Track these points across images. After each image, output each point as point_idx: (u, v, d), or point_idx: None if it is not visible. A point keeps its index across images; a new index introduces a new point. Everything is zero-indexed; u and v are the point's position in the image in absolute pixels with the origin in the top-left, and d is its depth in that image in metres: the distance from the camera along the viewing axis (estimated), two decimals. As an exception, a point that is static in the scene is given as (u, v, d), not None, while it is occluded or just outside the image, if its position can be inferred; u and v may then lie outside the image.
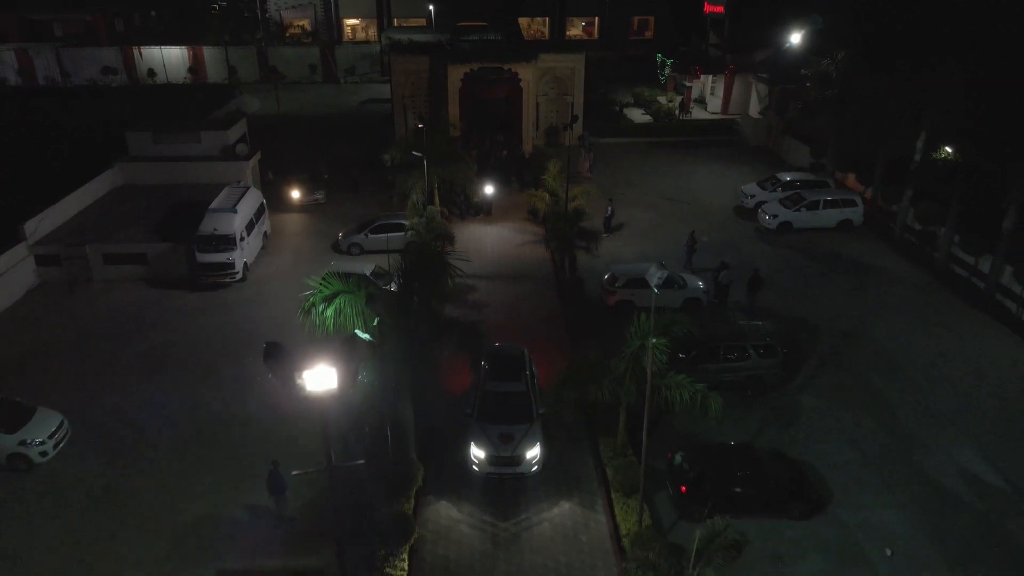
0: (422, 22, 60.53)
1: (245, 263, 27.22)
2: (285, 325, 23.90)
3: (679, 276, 25.00)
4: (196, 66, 58.04)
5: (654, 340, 14.03)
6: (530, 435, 17.28)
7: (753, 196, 33.25)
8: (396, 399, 17.41)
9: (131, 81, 57.72)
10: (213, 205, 27.67)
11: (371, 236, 28.78)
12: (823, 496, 16.95)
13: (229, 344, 23.19)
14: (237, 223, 26.85)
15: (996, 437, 18.94)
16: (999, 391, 20.74)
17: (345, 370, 10.85)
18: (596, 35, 64.45)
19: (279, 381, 10.88)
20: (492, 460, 17.05)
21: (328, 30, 64.01)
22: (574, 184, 30.31)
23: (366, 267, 25.27)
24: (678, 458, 17.04)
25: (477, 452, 17.23)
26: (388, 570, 14.33)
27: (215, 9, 60.56)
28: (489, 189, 32.24)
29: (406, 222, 28.18)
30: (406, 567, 14.58)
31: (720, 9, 50.02)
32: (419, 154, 28.71)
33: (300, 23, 64.92)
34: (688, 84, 48.88)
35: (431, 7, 56.94)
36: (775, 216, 30.96)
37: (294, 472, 13.26)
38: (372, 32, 63.90)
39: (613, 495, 16.59)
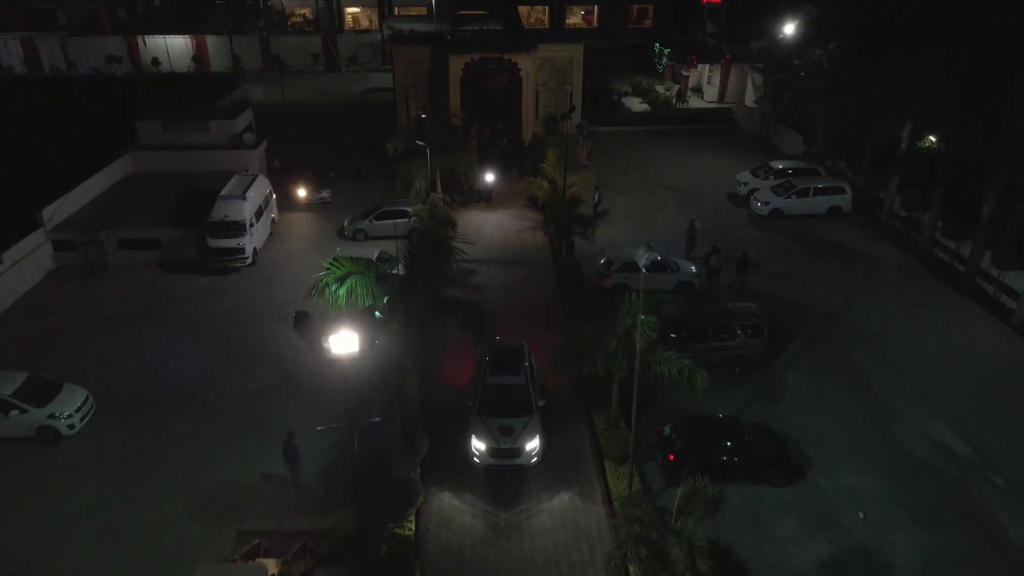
0: (423, 11, 61.08)
1: (255, 248, 28.25)
2: (293, 306, 25.07)
3: (672, 261, 26.08)
4: (200, 55, 58.70)
5: (643, 317, 15.09)
6: (529, 427, 17.68)
7: (746, 184, 34.22)
8: (403, 375, 18.48)
9: (135, 70, 58.42)
10: (223, 192, 28.66)
11: (376, 222, 29.80)
12: (802, 465, 18.12)
13: (241, 324, 24.29)
14: (247, 210, 27.87)
15: (968, 411, 20.09)
16: (974, 368, 21.86)
17: (365, 336, 11.91)
18: (595, 23, 64.97)
19: (307, 344, 12.02)
20: (492, 452, 17.44)
21: (329, 18, 64.54)
22: (572, 172, 31.29)
23: (371, 253, 26.29)
24: (667, 429, 18.19)
25: (478, 444, 17.64)
26: (397, 530, 15.47)
27: (218, -2, 61.15)
28: (490, 177, 33.20)
29: (410, 209, 29.19)
30: (414, 527, 15.75)
31: (717, -1, 50.66)
32: (422, 143, 29.64)
33: (301, 12, 65.43)
34: (685, 73, 49.60)
35: (432, -4, 57.49)
36: (766, 203, 31.95)
37: (319, 427, 14.35)
38: (373, 20, 64.42)
39: (606, 463, 17.77)
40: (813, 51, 33.81)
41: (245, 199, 28.15)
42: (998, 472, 17.99)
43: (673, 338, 20.35)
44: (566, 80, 41.62)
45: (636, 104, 48.59)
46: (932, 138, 27.22)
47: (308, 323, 11.20)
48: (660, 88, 49.34)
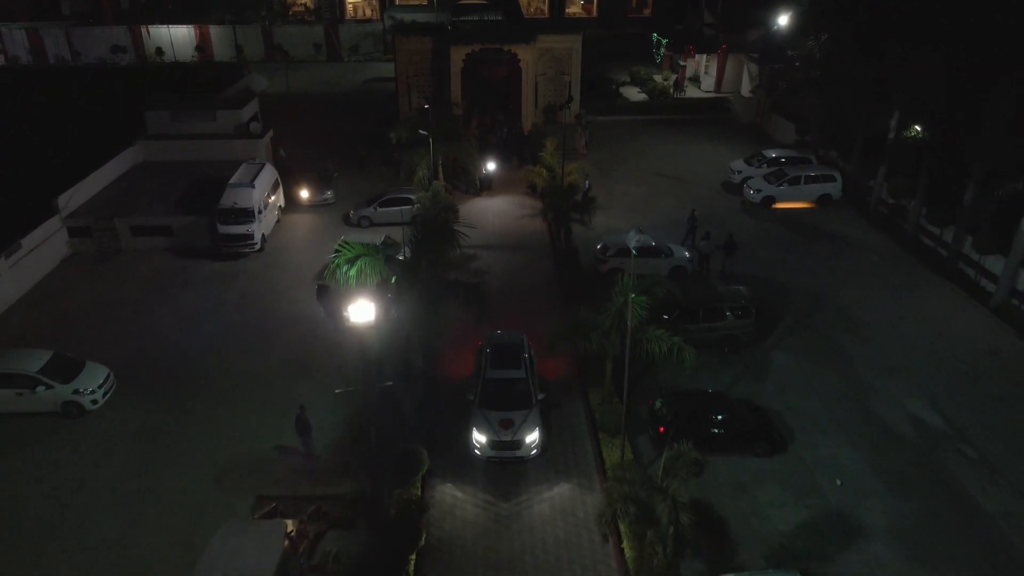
0: (423, 0, 61.59)
1: (263, 234, 29.24)
2: (301, 288, 26.14)
3: (666, 246, 27.09)
4: (203, 45, 59.33)
5: (633, 296, 16.12)
6: (529, 420, 18.04)
7: (740, 172, 35.14)
8: (408, 352, 19.58)
9: (139, 60, 59.08)
10: (232, 180, 29.61)
11: (380, 209, 30.77)
12: (785, 437, 19.22)
13: (252, 307, 25.34)
14: (255, 197, 28.83)
15: (945, 388, 21.16)
16: (952, 348, 22.92)
17: (381, 307, 12.97)
18: (595, 12, 65.47)
19: (327, 314, 13.05)
20: (493, 444, 17.82)
21: (330, 8, 65.06)
22: (571, 161, 32.20)
23: (376, 239, 27.26)
24: (658, 404, 19.26)
25: (479, 437, 17.98)
26: (404, 495, 16.56)
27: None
28: (490, 166, 34.12)
29: (413, 196, 30.12)
30: (419, 492, 16.86)
31: (714, -12, 51.28)
32: (425, 133, 30.54)
33: (303, 1, 65.96)
34: (683, 63, 50.34)
35: (433, -15, 57.98)
36: (759, 191, 32.90)
37: (336, 390, 15.36)
38: (374, 10, 64.93)
39: (600, 435, 18.86)
40: (806, 42, 34.61)
41: (253, 187, 29.10)
42: (970, 444, 19.08)
43: (665, 319, 21.38)
44: (565, 70, 42.36)
45: (634, 94, 49.36)
46: (918, 128, 28.10)
47: (328, 295, 12.32)
48: (658, 78, 50.10)
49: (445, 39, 40.08)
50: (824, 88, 33.13)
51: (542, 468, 18.25)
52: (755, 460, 18.50)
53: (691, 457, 13.62)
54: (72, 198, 29.58)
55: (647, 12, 65.66)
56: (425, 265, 20.13)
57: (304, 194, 32.93)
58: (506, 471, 18.18)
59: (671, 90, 48.84)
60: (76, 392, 19.97)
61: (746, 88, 47.32)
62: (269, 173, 31.47)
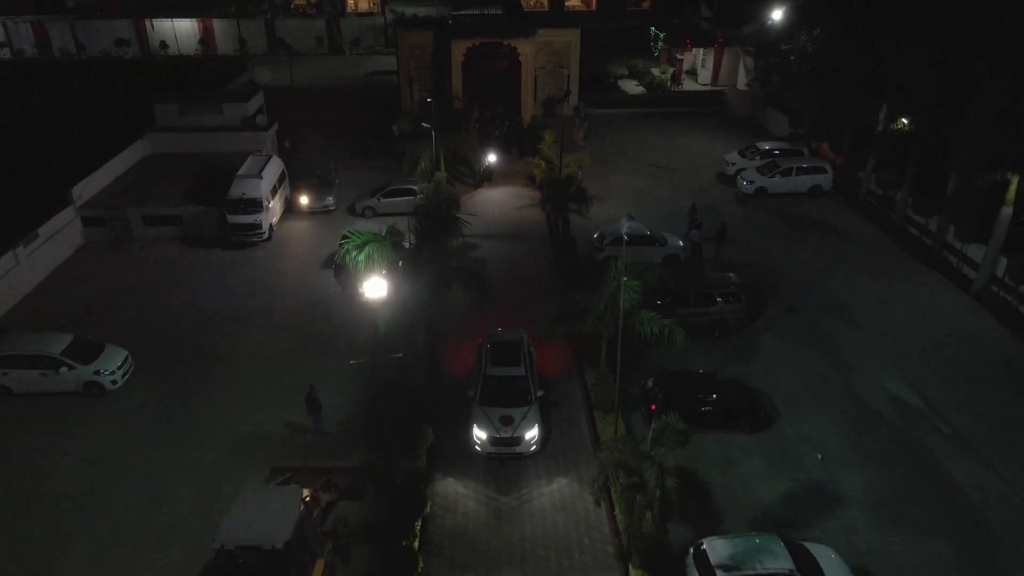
0: (424, -7, 62.16)
1: (270, 224, 30.21)
2: (307, 275, 27.13)
3: (660, 235, 28.09)
4: (206, 38, 60.07)
5: (625, 279, 17.12)
6: (529, 417, 18.31)
7: (734, 164, 36.07)
8: (413, 332, 20.60)
9: (143, 53, 59.86)
10: (240, 172, 30.56)
11: (383, 200, 31.72)
12: (770, 415, 20.26)
13: (260, 293, 26.36)
14: (263, 188, 29.79)
15: (924, 370, 22.17)
16: (932, 332, 23.93)
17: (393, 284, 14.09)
18: (594, 5, 66.18)
19: (343, 290, 14.08)
20: (493, 441, 18.10)
21: (332, 1, 65.73)
22: (569, 152, 33.13)
23: (380, 229, 28.17)
24: (650, 383, 20.29)
25: (479, 433, 18.26)
26: (409, 468, 17.60)
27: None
28: (491, 157, 35.06)
29: (416, 187, 31.05)
30: (423, 463, 17.91)
31: (712, -18, 51.99)
32: (428, 125, 31.46)
33: (305, -6, 66.58)
34: (680, 56, 51.12)
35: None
36: (752, 182, 33.84)
37: (351, 360, 16.38)
38: (375, 4, 65.56)
39: (595, 412, 19.91)
40: (799, 36, 35.43)
41: (261, 178, 30.06)
42: (946, 421, 20.12)
43: (659, 304, 22.38)
44: (564, 64, 43.21)
45: (632, 87, 50.18)
46: (904, 121, 29.01)
47: (344, 273, 13.44)
48: (656, 71, 50.89)
49: (446, 33, 40.90)
50: (816, 82, 33.99)
51: (542, 455, 18.97)
52: (742, 436, 19.54)
53: (677, 428, 14.65)
54: (85, 189, 30.53)
55: (645, 5, 66.42)
56: (428, 253, 21.15)
57: (303, 200, 31.89)
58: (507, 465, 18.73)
59: (668, 83, 49.67)
60: (97, 373, 21.01)
61: (742, 81, 48.15)
62: (276, 165, 32.41)
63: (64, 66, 57.02)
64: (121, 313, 25.18)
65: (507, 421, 18.21)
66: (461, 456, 18.80)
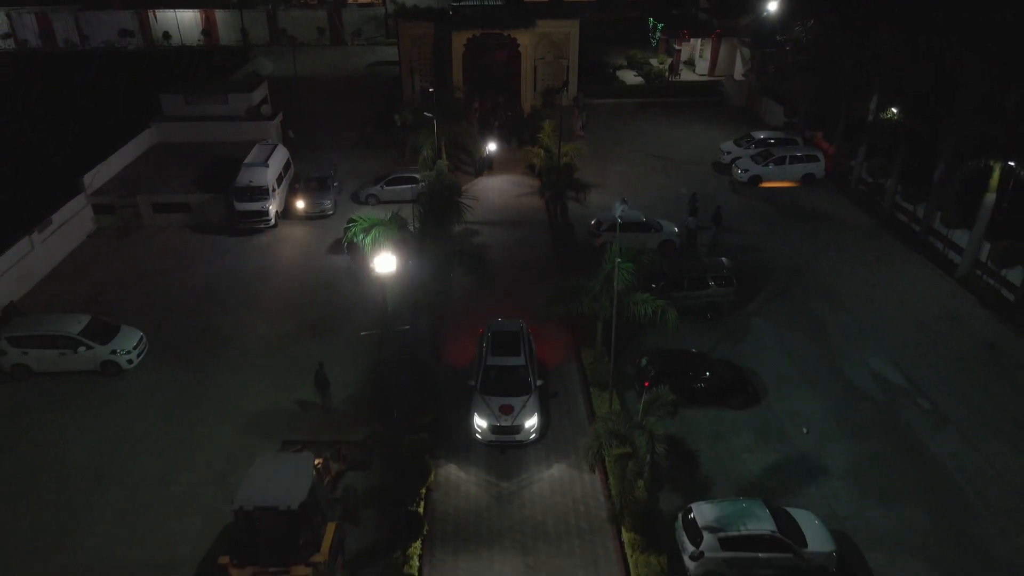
0: (425, -16, 62.60)
1: (276, 211, 31.01)
2: (313, 260, 27.92)
3: (656, 221, 28.90)
4: (209, 28, 60.60)
5: (619, 260, 17.96)
6: (528, 406, 18.67)
7: (729, 152, 36.82)
8: (416, 315, 21.47)
9: (146, 43, 60.41)
10: (247, 160, 31.34)
11: (386, 188, 32.51)
12: (759, 392, 21.16)
13: (267, 277, 27.22)
14: (269, 176, 30.57)
15: (908, 350, 23.05)
16: (917, 314, 24.80)
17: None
18: (594, -4, 66.45)
19: (356, 266, 14.98)
20: (493, 429, 18.46)
21: (334, -8, 66.15)
22: (568, 142, 33.88)
23: (384, 216, 29.01)
24: (643, 361, 21.17)
25: (479, 422, 18.60)
26: (414, 440, 18.51)
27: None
28: (491, 146, 35.82)
29: (418, 175, 31.83)
30: (427, 436, 18.82)
31: (710, -27, 52.49)
32: (430, 115, 32.20)
33: (307, -15, 66.96)
34: (678, 47, 51.71)
35: (434, -30, 59.03)
36: (746, 170, 34.60)
37: (362, 332, 17.26)
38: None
39: (592, 389, 20.81)
40: (794, 27, 36.11)
41: (267, 166, 30.83)
42: (926, 397, 21.03)
43: (653, 287, 23.23)
44: (563, 54, 43.85)
45: (630, 77, 50.80)
46: (894, 110, 29.73)
47: (357, 251, 14.45)
48: (654, 61, 51.50)
49: (446, 24, 41.55)
50: (811, 72, 34.69)
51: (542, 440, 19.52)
52: (731, 412, 20.45)
53: (667, 399, 15.54)
54: (95, 177, 31.32)
55: (645, -4, 66.66)
56: (431, 238, 22.01)
57: (300, 204, 30.80)
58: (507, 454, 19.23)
59: (666, 73, 50.29)
60: (113, 352, 21.89)
61: (739, 72, 48.78)
62: (281, 153, 33.18)
63: (68, 56, 57.60)
64: (132, 297, 26.03)
65: (507, 410, 18.56)
66: (461, 443, 19.23)
